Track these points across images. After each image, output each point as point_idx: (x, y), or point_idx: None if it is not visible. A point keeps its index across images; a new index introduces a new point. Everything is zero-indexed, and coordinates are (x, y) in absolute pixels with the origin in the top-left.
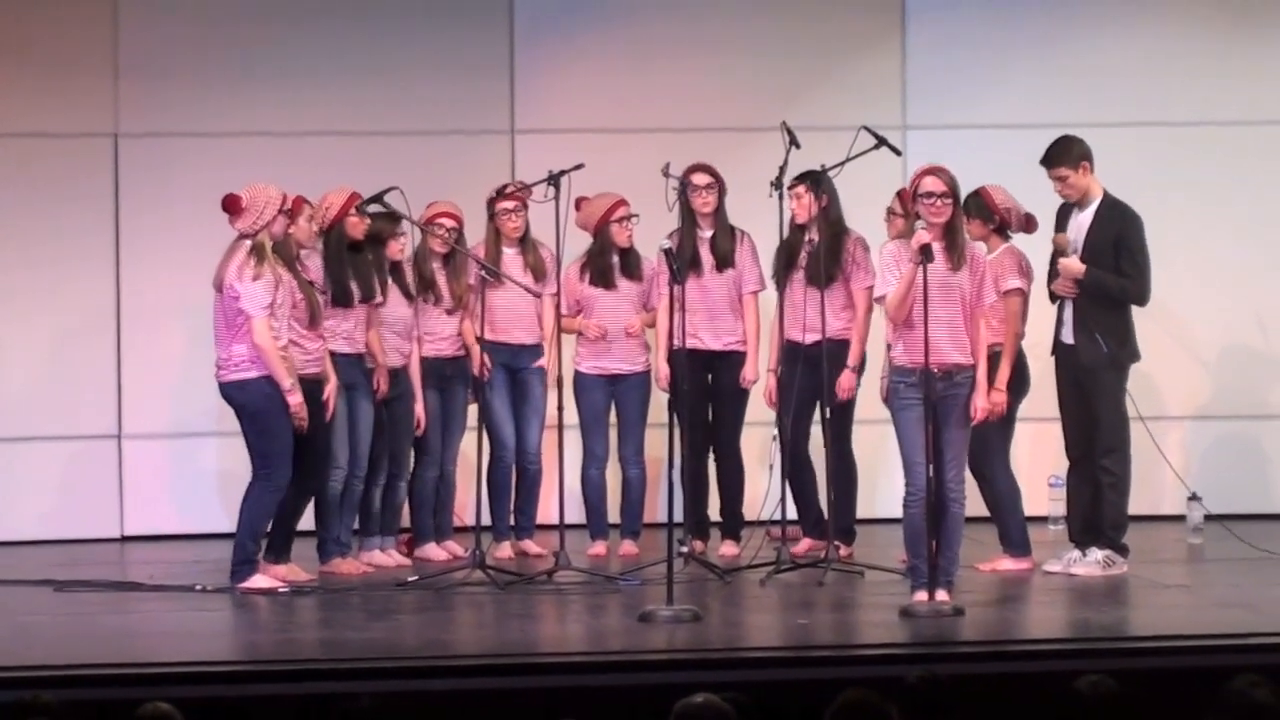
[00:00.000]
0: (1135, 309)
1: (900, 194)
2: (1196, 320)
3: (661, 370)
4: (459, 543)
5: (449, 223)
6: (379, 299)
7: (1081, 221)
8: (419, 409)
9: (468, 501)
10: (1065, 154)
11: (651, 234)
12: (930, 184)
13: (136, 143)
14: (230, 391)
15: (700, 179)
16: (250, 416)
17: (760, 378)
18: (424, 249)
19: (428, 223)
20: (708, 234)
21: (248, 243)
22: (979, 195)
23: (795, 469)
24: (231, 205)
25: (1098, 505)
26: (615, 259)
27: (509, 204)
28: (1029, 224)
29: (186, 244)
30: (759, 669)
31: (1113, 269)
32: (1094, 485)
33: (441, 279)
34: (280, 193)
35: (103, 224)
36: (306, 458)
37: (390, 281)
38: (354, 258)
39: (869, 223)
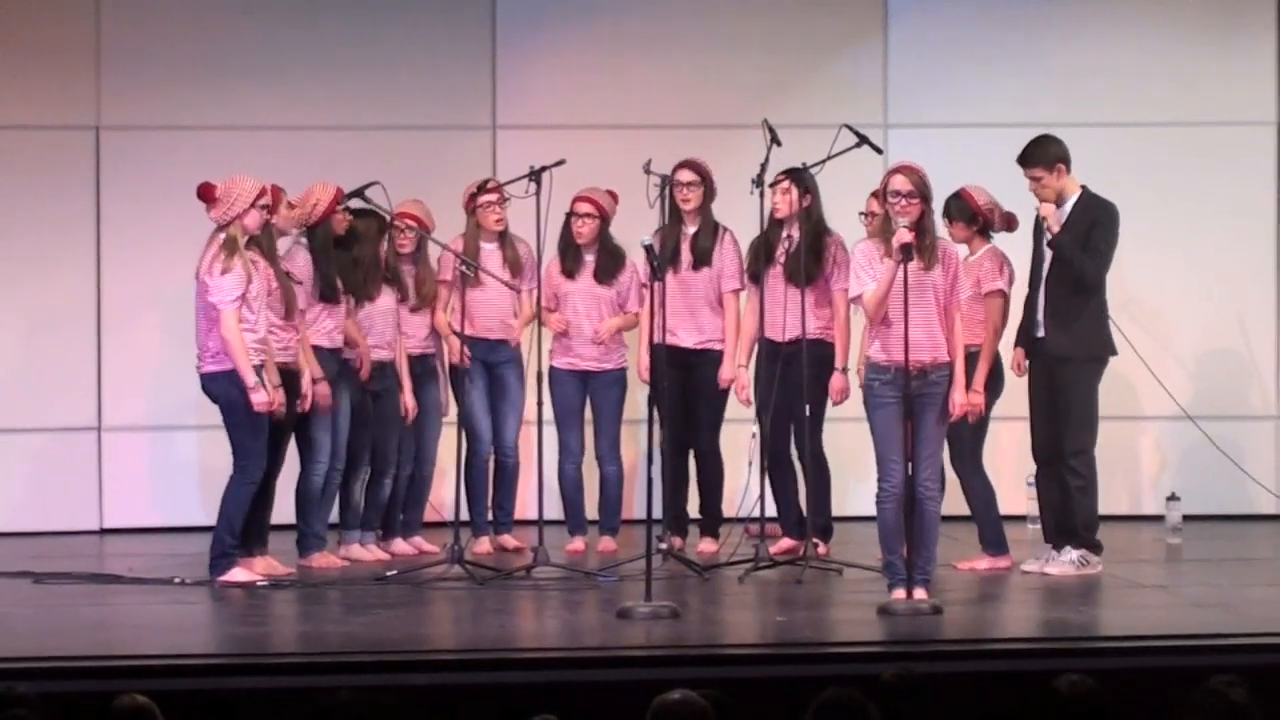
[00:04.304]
0: (1111, 308)
1: (874, 195)
2: (1177, 321)
3: (643, 360)
4: (427, 539)
5: (408, 222)
6: (370, 297)
7: (1059, 216)
8: (408, 399)
9: (446, 497)
10: (1041, 155)
11: (632, 230)
12: (897, 182)
13: (118, 135)
14: (207, 383)
15: (683, 175)
16: (224, 409)
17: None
18: (392, 247)
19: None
20: (691, 230)
21: (221, 234)
22: (960, 197)
23: (775, 468)
24: (205, 194)
25: (1068, 506)
26: (589, 257)
27: (491, 196)
28: (1010, 223)
29: (167, 237)
30: (737, 666)
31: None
32: (1063, 487)
33: (409, 278)
34: (257, 185)
35: (84, 216)
36: (274, 449)
37: (379, 277)
38: (340, 255)
39: (846, 220)
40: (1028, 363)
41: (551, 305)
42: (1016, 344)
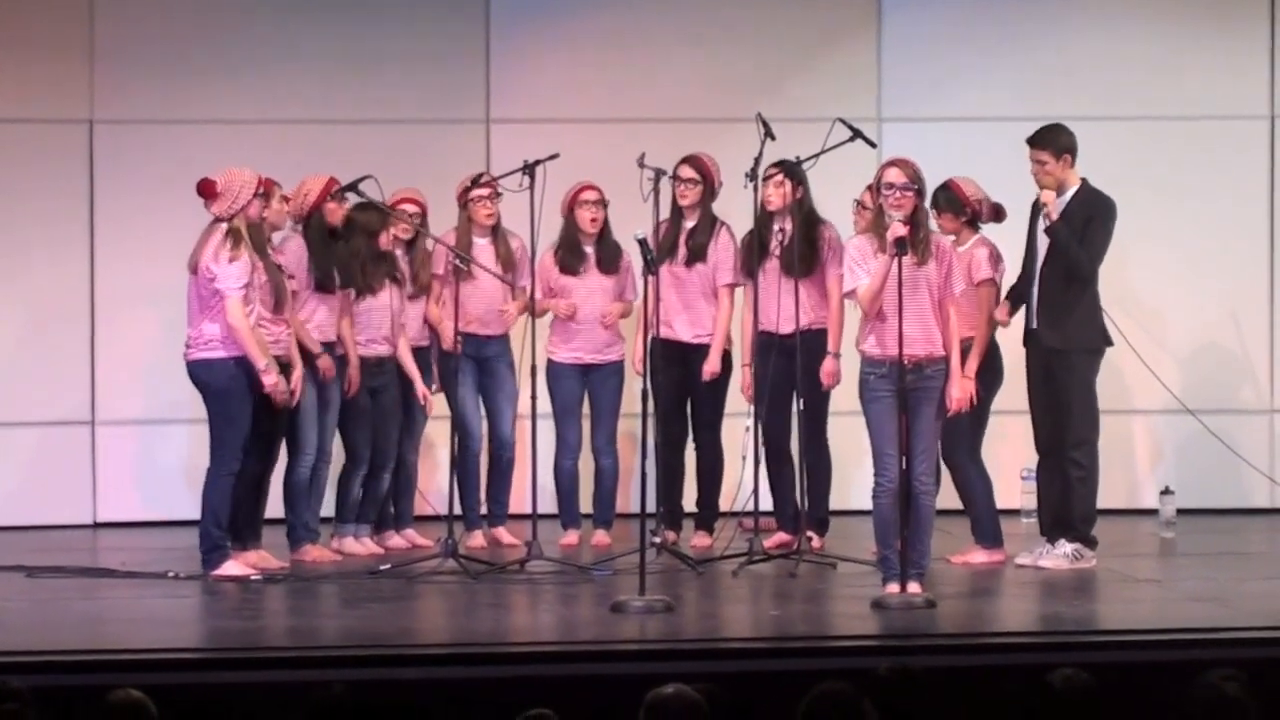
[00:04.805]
0: (1105, 301)
1: (869, 188)
2: (1170, 315)
3: (638, 352)
4: (420, 533)
5: (411, 208)
6: (371, 290)
7: (1058, 204)
8: (420, 388)
9: (440, 491)
10: (1051, 140)
11: (627, 224)
12: (891, 175)
13: (111, 129)
14: (196, 370)
15: (683, 171)
16: (213, 397)
17: (734, 370)
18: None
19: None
20: (689, 224)
21: (224, 226)
22: (948, 189)
23: (774, 462)
24: (206, 190)
25: (1067, 498)
26: (589, 249)
27: (483, 191)
28: (998, 214)
29: (161, 230)
30: (731, 660)
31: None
32: (1063, 478)
33: (405, 266)
34: (255, 176)
35: (77, 210)
36: (268, 442)
37: (379, 271)
38: (335, 246)
39: (841, 214)
40: (1025, 353)
41: (545, 297)
42: (1007, 297)
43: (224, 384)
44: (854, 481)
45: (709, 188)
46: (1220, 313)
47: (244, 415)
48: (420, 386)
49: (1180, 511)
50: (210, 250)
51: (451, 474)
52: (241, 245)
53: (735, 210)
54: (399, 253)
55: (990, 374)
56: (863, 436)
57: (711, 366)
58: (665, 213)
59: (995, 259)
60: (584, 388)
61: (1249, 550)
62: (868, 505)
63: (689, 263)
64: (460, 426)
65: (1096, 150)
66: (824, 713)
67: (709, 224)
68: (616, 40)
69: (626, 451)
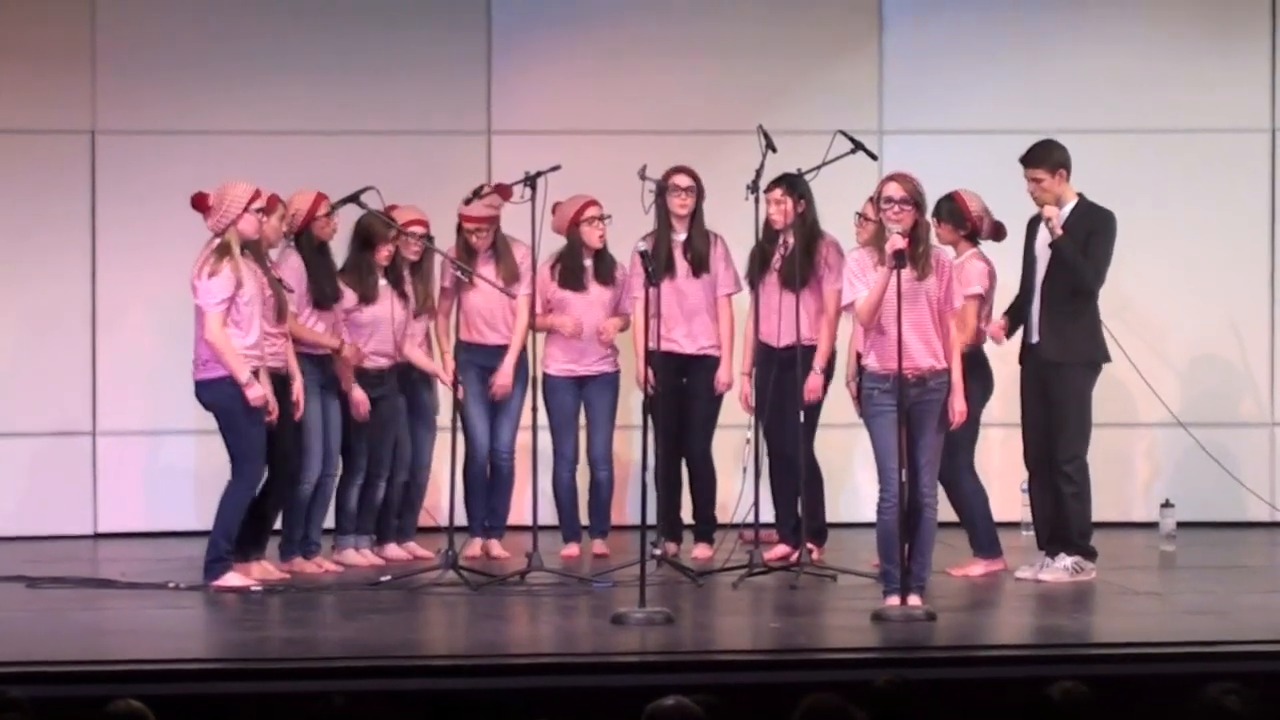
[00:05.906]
0: (1105, 314)
1: (871, 200)
2: (1171, 327)
3: (639, 368)
4: (421, 544)
5: (420, 230)
6: (361, 294)
7: (1060, 218)
8: (446, 378)
9: (441, 503)
10: (1045, 157)
11: (627, 236)
12: (891, 190)
13: (113, 140)
14: (199, 390)
15: (681, 180)
16: (217, 416)
17: (735, 381)
18: (400, 254)
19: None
20: (681, 237)
21: (216, 240)
22: (953, 200)
23: (777, 473)
24: (199, 204)
25: (1062, 514)
26: (588, 262)
27: (472, 225)
28: (998, 232)
29: (162, 241)
30: (731, 672)
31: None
32: (1055, 494)
33: (409, 284)
34: (249, 190)
35: (79, 220)
36: (274, 456)
37: (385, 284)
38: (321, 259)
39: (843, 227)
40: (1021, 368)
41: (545, 310)
42: (1005, 314)
43: (225, 403)
44: (848, 494)
45: (701, 196)
46: (1221, 325)
47: (253, 428)
48: (446, 375)
49: (1180, 525)
50: (196, 265)
51: (451, 486)
52: (225, 260)
53: (735, 223)
54: (405, 273)
55: (980, 385)
56: (854, 449)
57: (724, 377)
58: None
59: (988, 276)
60: (579, 400)
61: (1249, 564)
62: (860, 517)
63: (694, 274)
64: (466, 438)
65: (1097, 163)
66: None
67: (705, 235)
68: (618, 52)
69: (623, 463)
